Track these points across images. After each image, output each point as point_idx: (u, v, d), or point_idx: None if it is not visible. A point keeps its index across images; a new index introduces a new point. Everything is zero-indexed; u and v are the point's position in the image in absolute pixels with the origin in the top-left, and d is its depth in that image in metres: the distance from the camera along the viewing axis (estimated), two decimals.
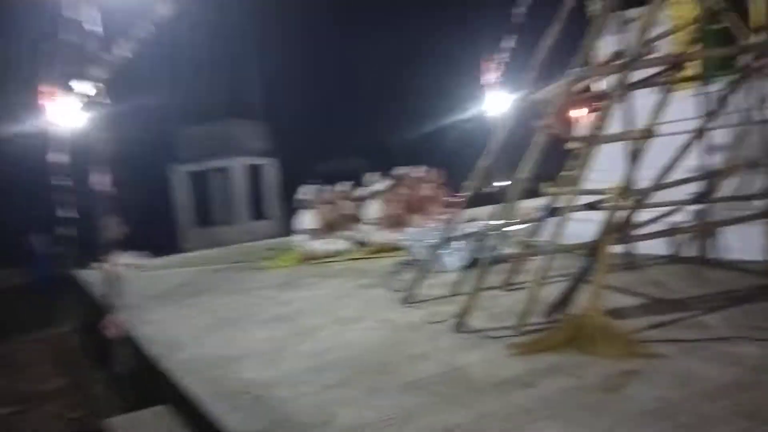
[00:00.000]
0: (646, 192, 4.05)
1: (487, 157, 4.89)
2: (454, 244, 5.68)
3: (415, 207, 9.60)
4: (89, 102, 7.25)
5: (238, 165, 21.88)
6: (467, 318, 3.84)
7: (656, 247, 5.04)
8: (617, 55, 4.38)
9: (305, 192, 8.56)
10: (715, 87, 5.47)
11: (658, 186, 4.04)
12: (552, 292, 3.83)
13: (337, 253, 8.11)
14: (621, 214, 3.89)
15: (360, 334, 4.08)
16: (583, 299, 3.55)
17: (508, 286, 4.79)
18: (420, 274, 4.86)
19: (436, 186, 10.54)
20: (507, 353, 3.21)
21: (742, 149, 4.86)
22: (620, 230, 3.87)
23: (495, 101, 17.46)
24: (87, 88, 7.22)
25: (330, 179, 9.46)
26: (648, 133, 3.84)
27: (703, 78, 5.21)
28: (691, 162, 4.63)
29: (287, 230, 23.29)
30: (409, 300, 4.80)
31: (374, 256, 7.78)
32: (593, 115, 5.82)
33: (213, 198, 23.77)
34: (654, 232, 4.16)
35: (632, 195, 3.98)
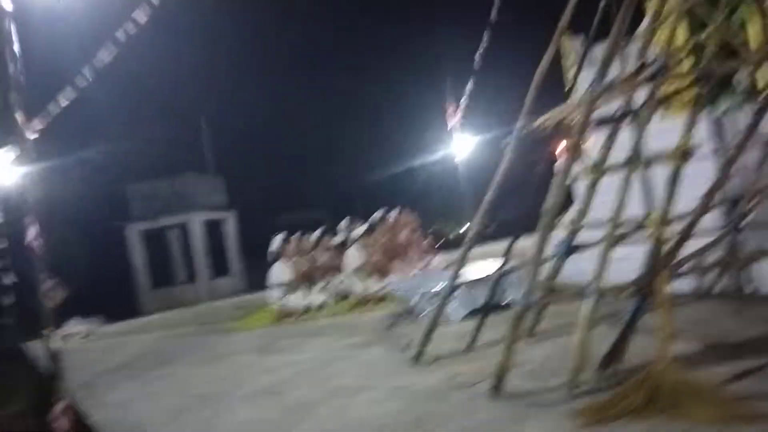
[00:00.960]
0: (687, 220, 3.57)
1: (493, 192, 4.36)
2: (457, 291, 5.06)
3: (396, 252, 9.00)
4: (22, 155, 6.47)
5: (195, 220, 20.92)
6: (504, 379, 3.19)
7: (680, 282, 4.58)
8: (639, 70, 3.97)
9: (277, 243, 7.85)
10: (723, 108, 5.19)
11: (698, 213, 3.56)
12: (596, 340, 3.25)
13: (316, 308, 7.39)
14: (665, 247, 3.39)
15: (369, 410, 3.37)
16: (639, 348, 2.99)
17: (531, 335, 4.19)
18: (428, 328, 4.20)
19: (413, 229, 10.00)
20: (573, 424, 2.58)
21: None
22: (670, 265, 3.35)
23: (460, 143, 17.34)
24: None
25: (293, 231, 8.78)
26: (686, 154, 3.40)
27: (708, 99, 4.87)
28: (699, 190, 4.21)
29: (252, 286, 22.30)
30: (418, 359, 4.12)
31: (359, 309, 7.09)
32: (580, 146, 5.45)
33: (171, 256, 22.61)
34: (703, 266, 3.66)
35: (671, 224, 3.50)
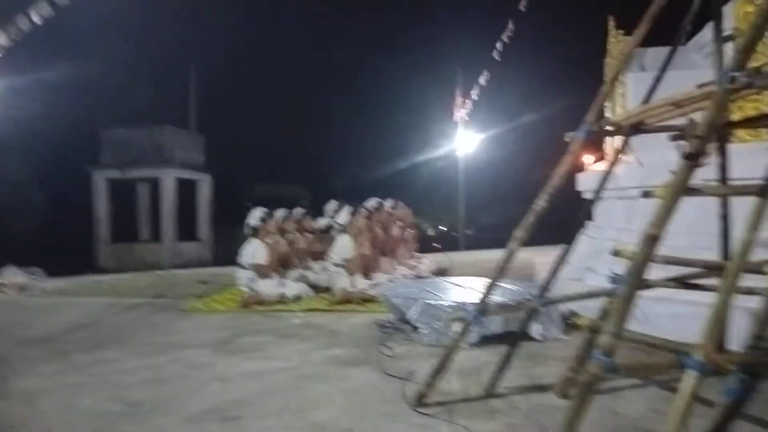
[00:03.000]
0: None
1: (545, 196, 3.42)
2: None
3: (385, 248, 8.05)
4: None
5: (169, 176, 19.59)
6: None
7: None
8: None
9: (256, 217, 6.82)
10: None
11: None
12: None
13: (291, 299, 6.39)
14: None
15: None
16: None
17: (566, 392, 3.27)
18: (441, 364, 3.23)
19: (406, 225, 9.06)
20: None
21: None
22: None
23: (464, 138, 16.38)
24: None
25: (271, 205, 7.74)
26: None
27: None
28: None
29: (217, 257, 21.14)
30: (421, 401, 3.17)
31: (340, 308, 6.11)
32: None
33: (137, 211, 21.23)
34: None
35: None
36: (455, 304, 4.57)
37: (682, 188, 2.55)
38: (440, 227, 34.95)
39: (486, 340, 4.38)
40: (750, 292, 2.81)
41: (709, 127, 2.57)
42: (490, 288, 3.29)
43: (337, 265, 6.68)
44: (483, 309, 3.27)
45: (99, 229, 19.94)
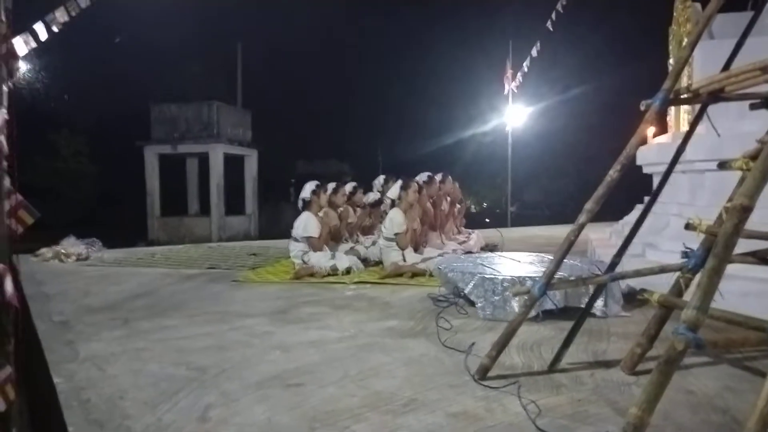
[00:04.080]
0: None
1: (620, 168, 3.27)
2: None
3: (435, 223, 7.98)
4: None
5: (218, 152, 19.92)
6: None
7: None
8: None
9: (308, 191, 6.84)
10: None
11: None
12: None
13: (343, 271, 6.42)
14: None
15: None
16: None
17: (633, 368, 3.18)
18: (505, 336, 3.17)
19: (454, 200, 8.95)
20: None
21: None
22: None
23: (514, 113, 15.99)
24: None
25: (319, 179, 7.71)
26: None
27: None
28: None
29: (263, 230, 21.47)
30: (485, 375, 3.12)
31: (391, 281, 6.11)
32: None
33: (186, 186, 21.71)
34: None
35: None
36: (513, 278, 4.48)
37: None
38: (483, 204, 34.59)
39: (546, 315, 4.30)
40: None
41: None
42: (557, 261, 3.19)
43: (387, 239, 6.66)
44: (548, 282, 3.18)
45: (150, 203, 20.50)
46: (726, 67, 3.84)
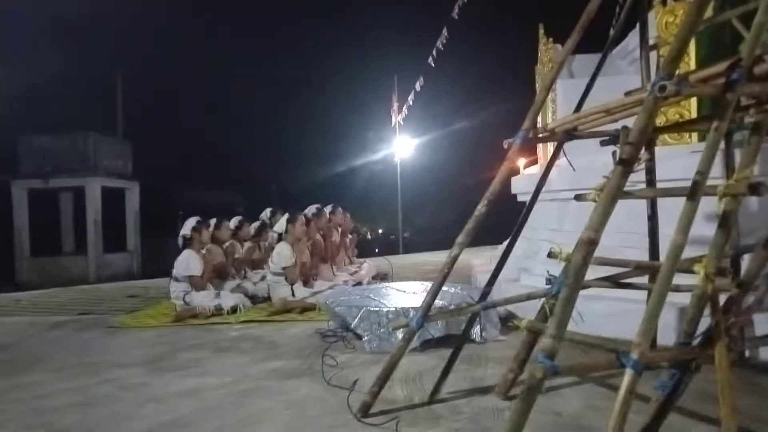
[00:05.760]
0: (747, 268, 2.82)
1: (487, 203, 3.46)
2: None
3: (325, 255, 7.97)
4: None
5: (94, 185, 18.68)
6: None
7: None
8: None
9: (189, 226, 6.58)
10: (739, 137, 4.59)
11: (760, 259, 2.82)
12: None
13: (228, 311, 6.20)
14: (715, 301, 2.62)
15: None
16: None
17: (507, 393, 3.32)
18: (387, 370, 3.20)
19: (345, 231, 9.02)
20: None
21: None
22: (730, 326, 2.58)
23: (401, 143, 16.49)
24: None
25: (203, 213, 7.50)
26: (755, 187, 2.63)
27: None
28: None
29: (147, 267, 20.30)
30: (367, 411, 3.12)
31: (279, 318, 5.99)
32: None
33: (60, 222, 20.09)
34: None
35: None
36: (397, 309, 4.56)
37: (617, 192, 2.62)
38: (378, 231, 35.13)
39: (428, 344, 4.40)
40: (676, 289, 2.94)
41: (640, 134, 2.66)
42: (432, 293, 3.29)
43: (275, 273, 6.54)
44: (425, 315, 3.27)
45: (18, 242, 18.77)
46: (579, 106, 4.22)
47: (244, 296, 6.57)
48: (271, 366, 4.22)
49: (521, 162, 8.95)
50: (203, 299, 6.25)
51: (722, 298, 2.63)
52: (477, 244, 9.42)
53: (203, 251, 6.71)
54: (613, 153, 3.58)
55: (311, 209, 7.86)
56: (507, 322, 4.96)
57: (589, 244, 2.50)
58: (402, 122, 14.72)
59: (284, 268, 6.46)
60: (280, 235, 6.82)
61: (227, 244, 7.43)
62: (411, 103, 13.44)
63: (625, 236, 4.89)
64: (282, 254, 6.51)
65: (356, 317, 4.59)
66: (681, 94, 2.67)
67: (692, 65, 5.03)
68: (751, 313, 3.51)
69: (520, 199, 8.02)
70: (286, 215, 6.91)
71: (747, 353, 3.90)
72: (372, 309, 4.55)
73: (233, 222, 7.88)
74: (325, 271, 7.60)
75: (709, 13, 4.77)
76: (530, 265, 6.41)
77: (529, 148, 8.82)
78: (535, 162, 8.24)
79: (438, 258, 12.89)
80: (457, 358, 3.47)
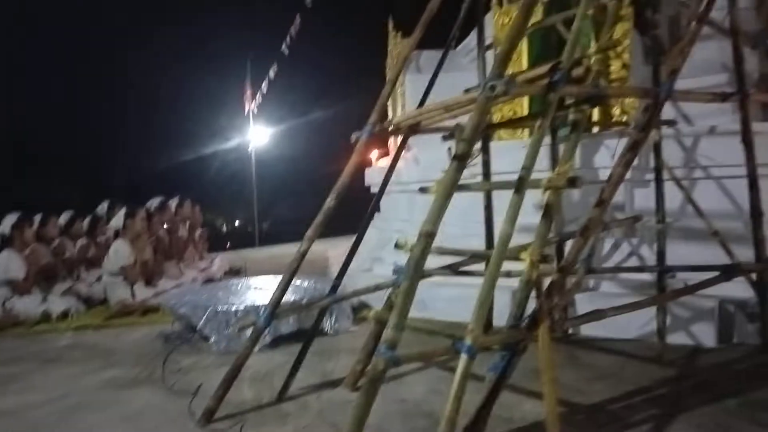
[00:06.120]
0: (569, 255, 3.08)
1: (336, 196, 3.45)
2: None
3: (171, 252, 7.52)
4: None
5: None
6: None
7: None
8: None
9: (7, 225, 5.83)
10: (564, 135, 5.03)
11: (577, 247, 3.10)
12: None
13: (57, 317, 5.60)
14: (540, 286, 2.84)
15: None
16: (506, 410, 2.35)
17: (355, 385, 3.36)
18: (231, 373, 3.07)
19: (193, 225, 8.59)
20: None
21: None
22: (552, 308, 2.80)
23: (256, 132, 16.01)
24: None
25: (31, 210, 6.74)
26: (574, 181, 2.88)
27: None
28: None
29: None
30: (210, 417, 2.98)
31: (118, 323, 5.52)
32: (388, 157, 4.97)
33: None
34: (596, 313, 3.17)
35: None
36: (247, 307, 4.41)
37: (452, 187, 2.73)
38: (235, 223, 33.97)
39: (279, 341, 4.32)
40: (508, 275, 3.14)
41: (473, 131, 2.79)
42: (281, 289, 3.22)
43: (112, 273, 6.02)
44: (273, 312, 3.19)
45: None
46: (422, 103, 4.36)
47: (76, 300, 5.97)
48: (106, 376, 3.87)
49: (375, 154, 9.12)
50: (27, 305, 5.58)
51: (548, 283, 2.87)
52: (335, 235, 9.45)
53: (26, 251, 5.98)
54: (448, 149, 3.75)
55: (154, 202, 7.35)
56: (360, 312, 5.03)
57: (427, 237, 2.58)
58: (256, 111, 14.30)
59: (122, 267, 5.97)
60: (117, 231, 6.29)
61: (56, 242, 6.70)
62: (265, 91, 13.09)
63: (468, 225, 5.15)
64: (119, 252, 6.01)
65: (203, 318, 4.36)
66: (509, 94, 2.84)
67: (524, 65, 5.41)
68: (572, 295, 3.91)
69: (373, 190, 8.18)
70: (124, 209, 6.39)
71: (570, 330, 4.31)
72: (219, 308, 4.36)
73: (63, 218, 7.13)
74: (171, 269, 7.15)
75: (540, 16, 5.22)
76: (383, 255, 6.56)
77: (382, 141, 9.02)
78: (387, 154, 8.44)
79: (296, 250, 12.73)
80: (306, 354, 3.43)
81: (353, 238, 3.69)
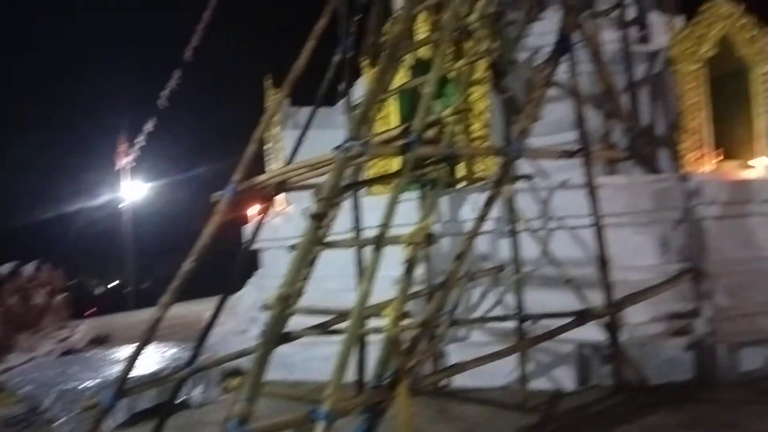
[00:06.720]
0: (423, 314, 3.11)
1: (196, 256, 3.29)
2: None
3: (25, 322, 6.81)
4: None
5: None
6: None
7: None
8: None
9: None
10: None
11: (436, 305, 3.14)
12: None
13: None
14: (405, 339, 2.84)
15: None
16: None
17: None
18: None
19: (52, 291, 7.88)
20: None
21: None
22: (413, 368, 2.80)
23: (130, 188, 15.16)
24: None
25: None
26: (429, 237, 2.96)
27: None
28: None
29: None
30: None
31: None
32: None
33: None
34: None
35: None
36: (102, 382, 4.01)
37: (311, 247, 2.70)
38: (111, 284, 31.63)
39: (139, 416, 3.95)
40: (377, 331, 3.12)
41: (331, 190, 2.79)
42: (130, 362, 2.97)
43: None
44: (121, 388, 2.92)
45: None
46: (290, 160, 4.35)
47: None
48: None
49: (255, 209, 8.93)
50: None
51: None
52: (211, 294, 9.01)
53: None
54: (304, 209, 3.74)
55: (5, 268, 6.67)
56: (232, 379, 4.75)
57: (284, 300, 2.51)
58: (132, 165, 13.65)
59: None
60: None
61: None
62: (143, 144, 12.56)
63: (347, 280, 5.11)
64: None
65: (49, 397, 3.91)
66: (365, 155, 2.91)
67: (393, 123, 5.58)
68: (434, 349, 3.95)
69: (253, 247, 7.95)
70: None
71: (443, 382, 4.33)
72: (67, 387, 3.93)
73: None
74: (24, 342, 6.44)
75: (408, 77, 5.44)
76: (260, 315, 6.33)
77: (265, 196, 8.85)
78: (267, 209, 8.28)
79: (178, 311, 12.01)
80: (162, 430, 3.16)
81: (230, 298, 3.53)
